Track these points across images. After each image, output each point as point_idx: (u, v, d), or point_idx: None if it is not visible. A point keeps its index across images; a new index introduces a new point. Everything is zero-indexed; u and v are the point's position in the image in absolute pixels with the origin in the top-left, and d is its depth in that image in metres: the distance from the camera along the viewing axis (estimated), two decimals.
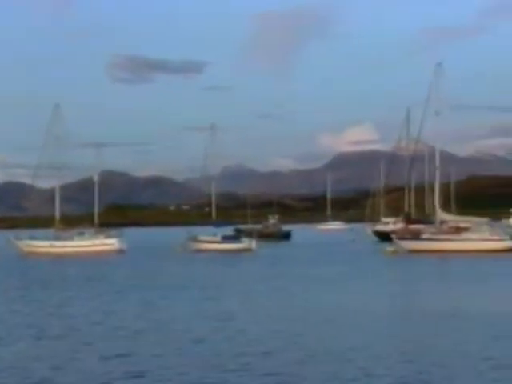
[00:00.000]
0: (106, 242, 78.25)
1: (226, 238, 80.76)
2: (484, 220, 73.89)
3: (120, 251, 76.23)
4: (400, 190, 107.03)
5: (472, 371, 17.57)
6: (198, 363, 18.44)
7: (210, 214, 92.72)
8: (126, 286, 39.84)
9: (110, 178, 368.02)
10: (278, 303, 31.76)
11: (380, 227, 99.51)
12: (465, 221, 73.94)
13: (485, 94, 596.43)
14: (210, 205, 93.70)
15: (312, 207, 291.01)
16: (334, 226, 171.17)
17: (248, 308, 29.96)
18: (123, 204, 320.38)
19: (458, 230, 71.13)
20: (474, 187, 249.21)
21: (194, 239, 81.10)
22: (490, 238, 69.36)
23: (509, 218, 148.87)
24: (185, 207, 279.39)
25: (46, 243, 77.83)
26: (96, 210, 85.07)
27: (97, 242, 77.79)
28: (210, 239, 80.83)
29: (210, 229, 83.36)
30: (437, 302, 32.23)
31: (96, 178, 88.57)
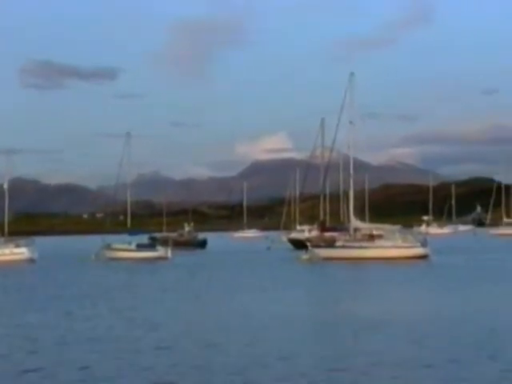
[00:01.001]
0: (16, 252, 76.72)
1: (141, 247, 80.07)
2: (396, 227, 74.89)
3: (30, 260, 74.84)
4: (315, 197, 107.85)
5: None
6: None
7: (124, 222, 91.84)
8: (36, 296, 39.10)
9: (21, 186, 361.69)
10: (191, 311, 31.65)
11: (295, 235, 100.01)
12: (378, 228, 74.83)
13: (396, 104, 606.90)
14: (124, 213, 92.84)
15: (228, 215, 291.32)
16: (250, 233, 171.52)
17: (165, 316, 29.72)
18: (34, 212, 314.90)
19: (372, 237, 71.96)
20: (386, 195, 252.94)
21: (109, 248, 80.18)
22: (402, 245, 70.33)
23: (420, 225, 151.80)
24: (99, 215, 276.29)
25: None
26: (6, 219, 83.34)
27: (6, 251, 76.24)
28: (125, 247, 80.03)
29: (125, 237, 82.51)
30: (350, 308, 32.49)
31: (6, 186, 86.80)
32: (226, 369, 18.82)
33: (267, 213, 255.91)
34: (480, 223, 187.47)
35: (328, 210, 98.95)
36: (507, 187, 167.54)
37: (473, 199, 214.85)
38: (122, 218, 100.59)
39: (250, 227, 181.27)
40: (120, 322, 28.19)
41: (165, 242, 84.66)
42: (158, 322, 28.13)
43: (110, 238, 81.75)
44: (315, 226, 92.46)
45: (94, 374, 18.47)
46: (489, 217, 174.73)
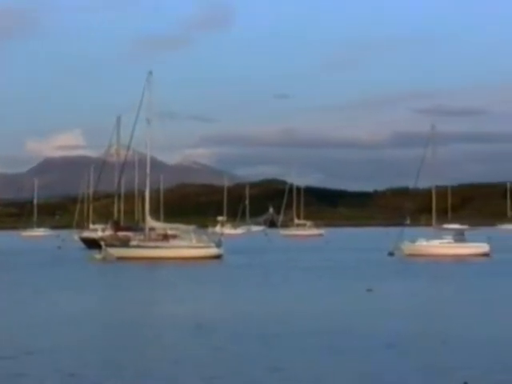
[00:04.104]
0: None
1: None
2: (191, 227, 74.89)
3: None
4: (110, 196, 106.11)
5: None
6: None
7: None
8: None
9: None
10: None
11: (88, 234, 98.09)
12: (172, 228, 74.52)
13: (194, 104, 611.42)
14: None
15: (17, 213, 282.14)
16: (40, 232, 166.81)
17: None
18: None
19: (166, 237, 71.63)
20: (182, 195, 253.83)
21: None
22: (197, 245, 70.41)
23: (215, 225, 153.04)
24: None
25: None
26: None
27: None
28: None
29: None
30: (141, 308, 31.87)
31: None
32: None
33: (59, 211, 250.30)
34: (272, 224, 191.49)
35: (123, 209, 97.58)
36: (299, 189, 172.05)
37: (266, 200, 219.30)
38: None
39: (40, 225, 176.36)
40: None
41: None
42: None
43: None
44: (109, 225, 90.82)
45: None
46: (281, 218, 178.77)
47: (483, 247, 74.24)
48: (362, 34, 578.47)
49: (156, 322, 27.66)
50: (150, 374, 17.94)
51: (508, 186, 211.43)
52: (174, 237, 71.80)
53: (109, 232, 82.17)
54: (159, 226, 75.12)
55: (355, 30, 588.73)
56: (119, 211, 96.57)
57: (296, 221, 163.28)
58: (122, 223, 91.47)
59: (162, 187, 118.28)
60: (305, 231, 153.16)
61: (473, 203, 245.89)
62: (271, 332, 24.66)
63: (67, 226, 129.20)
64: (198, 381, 17.36)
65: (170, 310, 31.43)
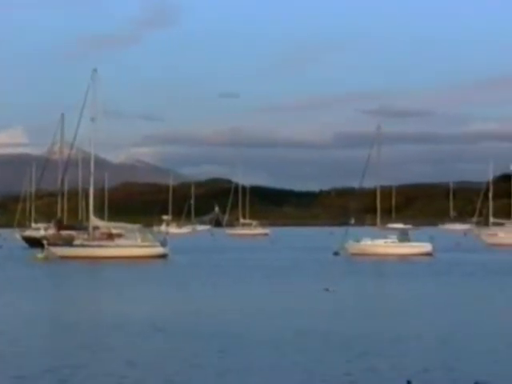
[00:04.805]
0: None
1: None
2: (136, 226, 74.33)
3: None
4: (53, 195, 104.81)
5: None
6: None
7: None
8: None
9: None
10: None
11: (30, 233, 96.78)
12: (117, 227, 73.86)
13: (139, 103, 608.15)
14: None
15: None
16: None
17: None
18: None
19: (111, 236, 70.96)
20: (127, 194, 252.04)
21: None
22: (142, 244, 69.85)
23: (160, 224, 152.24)
24: None
25: None
26: None
27: None
28: None
29: None
30: (86, 310, 31.37)
31: None
32: None
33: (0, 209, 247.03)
34: (217, 223, 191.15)
35: (66, 208, 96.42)
36: (244, 189, 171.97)
37: (212, 200, 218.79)
38: None
39: None
40: None
41: None
42: None
43: None
44: (52, 223, 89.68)
45: None
46: (226, 217, 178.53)
47: (426, 247, 74.88)
48: (309, 34, 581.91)
49: (104, 323, 27.16)
50: (100, 378, 17.61)
51: (451, 186, 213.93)
52: (119, 236, 71.19)
53: (52, 231, 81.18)
54: (103, 224, 74.36)
55: (303, 30, 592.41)
56: (62, 210, 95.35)
57: (241, 220, 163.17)
58: (65, 222, 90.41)
59: (106, 186, 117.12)
60: (250, 231, 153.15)
61: (416, 203, 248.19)
62: (228, 332, 24.54)
63: (8, 225, 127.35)
64: (155, 381, 17.14)
65: (118, 311, 30.98)
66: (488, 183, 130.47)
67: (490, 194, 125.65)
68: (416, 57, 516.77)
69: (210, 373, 18.19)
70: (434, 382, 17.26)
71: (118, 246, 69.20)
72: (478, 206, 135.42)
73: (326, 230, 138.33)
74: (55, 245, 69.71)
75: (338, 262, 65.62)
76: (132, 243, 69.60)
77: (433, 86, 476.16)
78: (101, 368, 18.65)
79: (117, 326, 26.14)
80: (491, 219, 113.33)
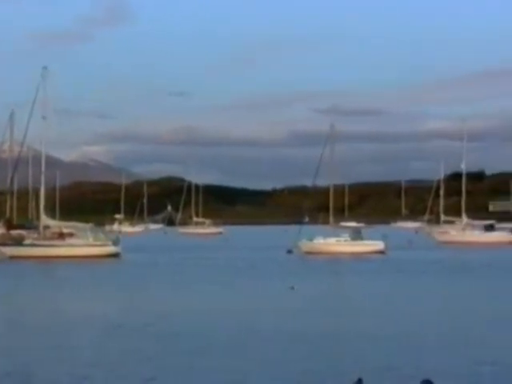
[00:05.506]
0: None
1: None
2: (87, 226, 73.70)
3: None
4: (2, 193, 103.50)
5: None
6: None
7: None
8: None
9: None
10: None
11: None
12: (68, 226, 73.15)
13: (92, 101, 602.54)
14: None
15: None
16: None
17: None
18: None
19: (62, 235, 70.26)
20: (78, 193, 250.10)
21: None
22: (94, 243, 69.28)
23: (113, 223, 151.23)
24: None
25: None
26: None
27: None
28: None
29: None
30: (41, 310, 30.98)
31: None
32: None
33: None
34: (170, 222, 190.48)
35: (15, 207, 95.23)
36: (197, 187, 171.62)
37: (164, 198, 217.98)
38: None
39: None
40: None
41: None
42: None
43: None
44: (1, 223, 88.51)
45: None
46: (179, 216, 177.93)
47: (379, 245, 75.28)
48: (261, 33, 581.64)
49: (62, 323, 26.85)
50: (62, 379, 17.31)
51: (403, 184, 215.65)
52: (70, 235, 70.53)
53: (1, 230, 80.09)
54: (54, 224, 73.56)
55: (255, 28, 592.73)
56: (12, 209, 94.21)
57: (195, 219, 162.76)
58: (14, 221, 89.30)
59: (57, 184, 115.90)
60: (204, 229, 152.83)
61: (369, 202, 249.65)
62: (192, 332, 24.40)
63: None
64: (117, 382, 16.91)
65: (75, 311, 30.62)
66: (439, 181, 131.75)
67: (441, 193, 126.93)
68: (369, 56, 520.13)
69: (174, 372, 18.06)
70: (388, 379, 17.23)
71: (69, 245, 68.55)
72: (430, 204, 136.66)
73: (280, 228, 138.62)
74: (5, 244, 68.89)
75: (291, 260, 65.68)
76: (84, 242, 69.00)
77: (385, 84, 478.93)
78: (61, 369, 18.38)
79: (75, 326, 25.96)
80: (442, 217, 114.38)
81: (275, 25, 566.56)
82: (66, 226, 72.92)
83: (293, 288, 38.15)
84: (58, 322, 27.33)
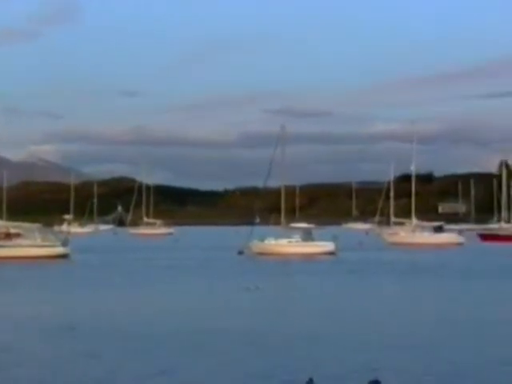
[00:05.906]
0: None
1: None
2: (35, 226, 72.75)
3: None
4: None
5: None
6: None
7: None
8: None
9: None
10: None
11: None
12: (16, 227, 72.22)
13: (40, 100, 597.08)
14: None
15: None
16: None
17: None
18: None
19: (9, 235, 69.27)
20: (26, 193, 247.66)
21: None
22: (42, 244, 68.41)
23: (61, 224, 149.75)
24: None
25: None
26: None
27: None
28: None
29: None
30: None
31: None
32: None
33: None
34: (121, 223, 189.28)
35: None
36: (148, 188, 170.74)
37: (114, 199, 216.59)
38: None
39: None
40: None
41: None
42: None
43: None
44: None
45: None
46: (130, 216, 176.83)
47: (329, 246, 75.44)
48: (210, 32, 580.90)
49: (13, 326, 26.43)
50: (20, 382, 17.04)
51: (353, 186, 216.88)
52: (18, 235, 69.56)
53: None
54: (1, 224, 72.70)
55: (205, 29, 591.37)
56: None
57: (145, 219, 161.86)
58: None
59: (4, 184, 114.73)
60: (154, 230, 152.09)
61: (320, 203, 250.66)
62: (146, 333, 24.24)
63: None
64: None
65: (25, 312, 30.09)
66: (389, 183, 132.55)
67: (392, 194, 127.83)
68: (320, 58, 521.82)
69: (129, 375, 17.83)
70: (339, 379, 17.20)
71: (16, 245, 67.56)
72: (380, 205, 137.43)
73: (232, 229, 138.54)
74: None
75: (242, 261, 65.55)
76: (31, 243, 68.06)
77: (336, 86, 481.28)
78: (17, 372, 18.09)
79: (26, 328, 25.48)
80: (392, 218, 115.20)
81: (224, 25, 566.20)
82: (13, 226, 71.99)
83: (249, 288, 38.03)
84: (10, 324, 26.84)
